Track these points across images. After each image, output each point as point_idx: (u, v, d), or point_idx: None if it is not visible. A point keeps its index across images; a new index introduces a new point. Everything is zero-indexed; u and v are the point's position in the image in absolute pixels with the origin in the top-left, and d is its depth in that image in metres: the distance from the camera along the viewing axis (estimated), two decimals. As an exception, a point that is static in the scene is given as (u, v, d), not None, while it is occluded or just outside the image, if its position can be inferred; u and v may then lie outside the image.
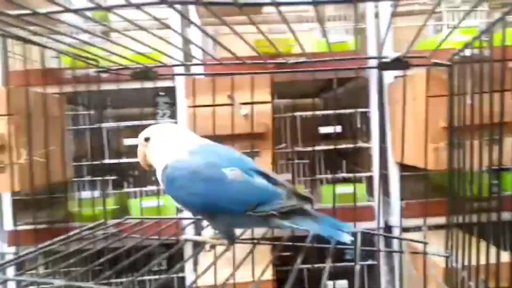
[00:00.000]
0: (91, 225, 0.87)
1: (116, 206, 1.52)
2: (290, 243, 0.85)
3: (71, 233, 0.80)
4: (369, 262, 1.59)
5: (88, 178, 1.52)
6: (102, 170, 1.40)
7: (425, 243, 0.78)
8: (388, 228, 1.53)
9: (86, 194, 1.52)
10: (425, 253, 0.78)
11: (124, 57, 0.78)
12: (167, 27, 0.61)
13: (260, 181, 0.64)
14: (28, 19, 0.54)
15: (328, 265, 0.64)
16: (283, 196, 0.63)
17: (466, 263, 0.66)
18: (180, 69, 1.37)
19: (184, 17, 0.60)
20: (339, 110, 1.50)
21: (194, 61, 1.19)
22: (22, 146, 1.04)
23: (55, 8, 0.48)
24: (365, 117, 1.51)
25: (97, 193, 1.47)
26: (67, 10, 0.48)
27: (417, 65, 0.91)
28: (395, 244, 1.46)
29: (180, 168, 0.66)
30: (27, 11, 0.51)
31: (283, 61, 0.85)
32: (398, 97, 1.40)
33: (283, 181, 0.67)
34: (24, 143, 1.03)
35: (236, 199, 0.63)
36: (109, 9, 0.48)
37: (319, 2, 0.51)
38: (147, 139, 0.73)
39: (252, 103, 1.14)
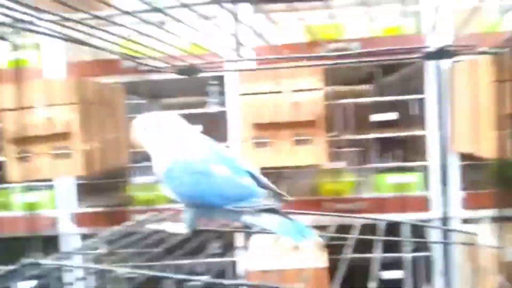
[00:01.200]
0: (145, 218, 0.91)
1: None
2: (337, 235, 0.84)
3: (129, 222, 0.84)
4: (423, 253, 1.54)
5: (143, 164, 1.59)
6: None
7: (475, 235, 0.74)
8: (445, 219, 1.47)
9: (141, 179, 1.59)
10: (475, 244, 0.74)
11: (182, 49, 0.79)
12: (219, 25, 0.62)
13: (244, 180, 0.69)
14: (87, 23, 0.57)
15: (377, 255, 0.63)
16: (261, 196, 0.68)
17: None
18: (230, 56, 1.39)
19: (234, 16, 0.60)
20: (393, 97, 1.45)
21: (245, 50, 1.20)
22: (85, 133, 1.10)
23: (113, 11, 0.51)
24: (421, 104, 1.45)
25: (151, 179, 1.53)
26: (125, 12, 0.51)
27: (464, 54, 0.85)
28: (453, 235, 1.40)
29: (177, 163, 0.72)
30: (88, 16, 0.53)
31: (331, 52, 0.82)
32: (458, 83, 1.33)
33: (268, 183, 0.71)
34: (88, 131, 1.10)
35: (218, 193, 0.69)
36: (162, 10, 0.49)
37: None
38: (145, 128, 0.77)
39: (303, 90, 1.13)
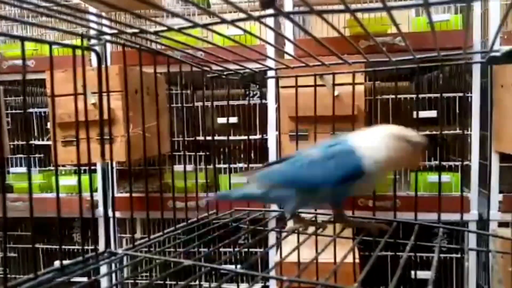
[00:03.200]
0: (205, 214, 0.94)
1: (208, 180, 1.60)
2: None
3: (189, 221, 0.87)
4: (454, 255, 1.51)
5: (182, 153, 1.62)
6: (195, 146, 1.48)
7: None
8: (482, 221, 1.43)
9: (179, 168, 1.62)
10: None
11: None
12: (267, 26, 0.63)
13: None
14: (162, 34, 0.61)
15: (405, 254, 0.62)
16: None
17: None
18: (271, 52, 1.40)
19: (299, 25, 0.60)
20: (433, 94, 1.42)
21: (287, 44, 1.20)
22: (130, 120, 1.13)
23: (185, 23, 0.54)
24: (464, 102, 1.41)
25: (190, 168, 1.56)
26: (196, 25, 0.53)
27: None
28: (490, 239, 1.36)
29: None
30: (163, 28, 0.58)
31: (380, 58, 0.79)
32: (503, 81, 1.29)
33: None
34: (132, 118, 1.12)
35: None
36: (231, 22, 0.51)
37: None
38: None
39: (344, 84, 1.12)
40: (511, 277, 0.85)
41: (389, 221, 0.84)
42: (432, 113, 1.42)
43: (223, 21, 0.50)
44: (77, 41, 0.80)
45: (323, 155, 0.68)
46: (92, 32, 0.61)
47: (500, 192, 1.39)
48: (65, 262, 0.60)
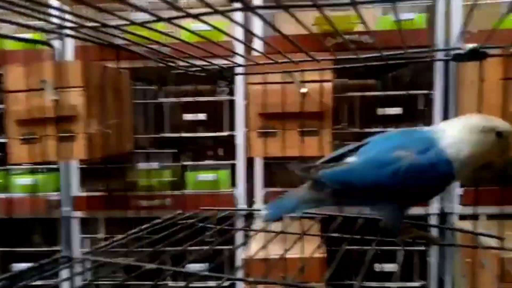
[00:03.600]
0: (171, 215, 0.91)
1: (173, 178, 1.58)
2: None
3: (154, 222, 0.85)
4: (417, 248, 1.55)
5: (148, 150, 1.58)
6: (161, 143, 1.45)
7: (501, 239, 0.74)
8: (443, 214, 1.48)
9: (145, 165, 1.58)
10: (501, 249, 0.74)
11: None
12: (235, 22, 0.62)
13: None
14: (125, 29, 0.58)
15: (371, 248, 0.63)
16: None
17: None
18: (240, 48, 1.38)
19: (266, 21, 0.59)
20: (400, 92, 1.45)
21: (255, 41, 1.19)
22: (92, 117, 1.10)
23: (148, 17, 0.51)
24: (428, 99, 1.45)
25: (155, 165, 1.53)
26: (160, 19, 0.51)
27: (494, 55, 0.83)
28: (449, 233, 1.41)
29: None
30: (125, 22, 0.55)
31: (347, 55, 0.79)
32: (465, 79, 1.33)
33: None
34: (94, 115, 1.09)
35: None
36: (196, 16, 0.49)
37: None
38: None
39: (312, 81, 1.12)
40: (470, 269, 0.88)
41: (354, 216, 0.84)
42: (397, 110, 1.45)
43: (188, 15, 0.49)
44: (36, 36, 0.76)
45: (416, 162, 0.57)
46: (50, 27, 0.58)
47: (461, 186, 1.44)
48: (21, 265, 0.56)
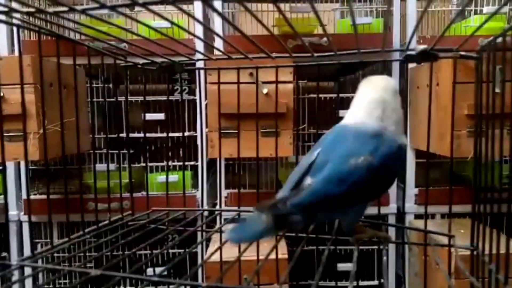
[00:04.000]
0: (119, 216, 0.87)
1: (132, 180, 1.53)
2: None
3: (100, 224, 0.80)
4: (375, 247, 1.59)
5: (104, 151, 1.53)
6: (118, 143, 1.41)
7: (451, 236, 0.77)
8: (400, 214, 1.53)
9: (101, 166, 1.52)
10: (450, 246, 0.77)
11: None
12: (192, 17, 0.59)
13: None
14: (64, 16, 0.54)
15: (328, 247, 0.64)
16: None
17: (487, 252, 0.65)
18: (200, 46, 1.36)
19: (207, 5, 0.57)
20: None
21: (216, 40, 1.17)
22: (44, 115, 1.04)
23: (92, 4, 0.48)
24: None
25: (112, 166, 1.47)
26: (104, 6, 0.47)
27: (444, 57, 0.87)
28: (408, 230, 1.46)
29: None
30: (64, 8, 0.50)
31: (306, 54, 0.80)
32: (419, 82, 1.38)
33: None
34: (45, 113, 1.03)
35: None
36: (143, 4, 0.46)
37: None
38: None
39: (273, 82, 1.12)
40: (423, 267, 0.91)
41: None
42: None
43: (133, 3, 0.46)
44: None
45: (378, 160, 0.58)
46: None
47: (417, 186, 1.49)
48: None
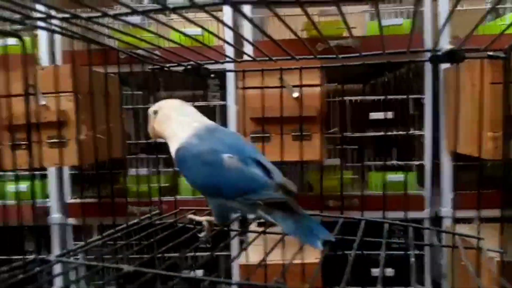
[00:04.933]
0: (148, 215, 0.90)
1: (167, 184, 1.57)
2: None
3: (131, 222, 0.84)
4: (416, 252, 1.55)
5: (141, 156, 1.57)
6: (154, 149, 1.45)
7: (479, 239, 0.75)
8: (438, 218, 1.48)
9: (138, 171, 1.57)
10: (479, 249, 0.75)
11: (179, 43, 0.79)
12: (221, 22, 0.61)
13: (253, 170, 0.66)
14: (97, 21, 0.57)
15: (382, 252, 0.63)
16: (272, 188, 0.64)
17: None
18: (230, 52, 1.39)
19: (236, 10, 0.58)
20: (391, 96, 1.46)
21: (245, 45, 1.19)
22: (82, 122, 1.09)
23: (124, 10, 0.50)
24: (419, 104, 1.46)
25: (145, 171, 1.52)
26: (135, 12, 0.49)
27: (472, 58, 0.85)
28: (445, 235, 1.41)
29: (188, 150, 0.71)
30: (97, 14, 0.52)
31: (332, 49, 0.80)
32: (454, 83, 1.34)
33: (278, 173, 0.67)
34: (85, 120, 1.08)
35: (229, 184, 0.66)
36: (173, 9, 0.48)
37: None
38: (155, 112, 0.78)
39: (302, 85, 1.12)
40: (461, 271, 0.88)
41: (336, 217, 0.84)
42: (383, 115, 1.46)
43: (164, 8, 0.47)
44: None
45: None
46: (17, 17, 0.55)
47: (454, 190, 1.44)
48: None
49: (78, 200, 1.57)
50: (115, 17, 0.53)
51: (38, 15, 0.56)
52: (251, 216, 0.79)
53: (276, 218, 0.63)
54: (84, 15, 0.55)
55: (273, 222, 0.64)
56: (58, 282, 1.46)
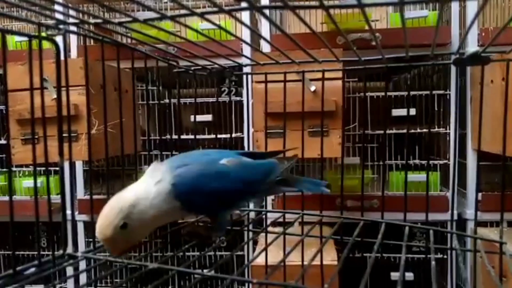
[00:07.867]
0: None
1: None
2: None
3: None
4: (438, 255, 1.49)
5: (155, 152, 1.55)
6: (169, 145, 1.42)
7: (502, 243, 0.70)
8: (462, 221, 1.42)
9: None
10: (501, 253, 0.70)
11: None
12: (241, 23, 0.58)
13: (251, 159, 0.68)
14: (129, 26, 0.58)
15: (403, 255, 0.59)
16: (278, 166, 0.70)
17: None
18: (247, 48, 1.35)
19: (272, 22, 0.54)
20: (414, 92, 1.40)
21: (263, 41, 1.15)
22: (94, 117, 1.07)
23: (153, 15, 0.49)
24: (443, 100, 1.40)
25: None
26: (164, 16, 0.49)
27: (496, 60, 0.80)
28: (470, 239, 1.35)
29: (186, 179, 0.59)
30: (128, 19, 0.53)
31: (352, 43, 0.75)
32: (484, 79, 1.28)
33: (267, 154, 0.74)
34: (96, 114, 1.06)
35: (251, 176, 0.66)
36: (202, 15, 0.47)
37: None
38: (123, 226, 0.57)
39: (320, 79, 1.08)
40: (474, 273, 0.83)
41: (357, 219, 0.80)
42: (407, 111, 1.40)
43: (192, 13, 0.46)
44: (35, 32, 0.74)
45: None
46: (53, 22, 0.57)
47: (480, 191, 1.37)
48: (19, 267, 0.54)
49: (87, 197, 1.55)
50: (145, 22, 0.52)
51: (71, 20, 0.57)
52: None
53: (292, 185, 0.73)
54: (116, 20, 0.55)
55: (292, 190, 0.74)
56: (82, 278, 1.46)
